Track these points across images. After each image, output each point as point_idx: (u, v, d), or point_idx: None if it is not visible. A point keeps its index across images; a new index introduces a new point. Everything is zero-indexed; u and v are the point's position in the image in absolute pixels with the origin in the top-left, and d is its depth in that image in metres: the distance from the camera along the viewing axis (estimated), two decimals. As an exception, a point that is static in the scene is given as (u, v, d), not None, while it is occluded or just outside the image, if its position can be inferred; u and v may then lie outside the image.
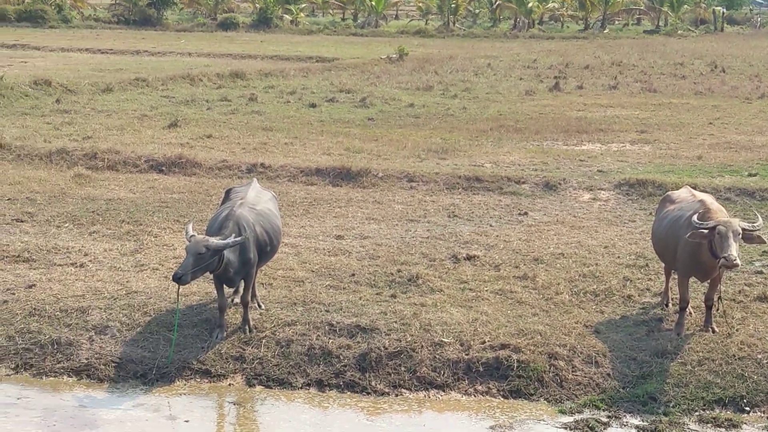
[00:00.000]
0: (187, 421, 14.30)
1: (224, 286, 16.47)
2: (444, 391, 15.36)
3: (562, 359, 15.71)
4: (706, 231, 15.74)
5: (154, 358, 15.85)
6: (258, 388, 15.40)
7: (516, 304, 17.80)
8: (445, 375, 15.55)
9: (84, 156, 29.55)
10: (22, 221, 22.64)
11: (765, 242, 16.70)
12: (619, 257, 20.49)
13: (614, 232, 22.67)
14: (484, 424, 14.32)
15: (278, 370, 15.70)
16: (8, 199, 24.60)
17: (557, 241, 21.70)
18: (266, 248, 16.75)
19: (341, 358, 15.85)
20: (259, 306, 17.24)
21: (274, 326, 16.55)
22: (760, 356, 15.68)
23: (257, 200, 17.08)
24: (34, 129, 34.19)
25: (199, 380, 15.56)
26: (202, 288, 17.83)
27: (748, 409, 14.74)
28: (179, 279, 15.32)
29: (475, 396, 15.27)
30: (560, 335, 16.31)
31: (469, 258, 20.23)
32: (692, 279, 16.80)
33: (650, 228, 18.30)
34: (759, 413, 14.67)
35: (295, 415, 14.54)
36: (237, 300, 17.20)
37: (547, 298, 18.09)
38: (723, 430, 14.18)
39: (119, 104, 41.47)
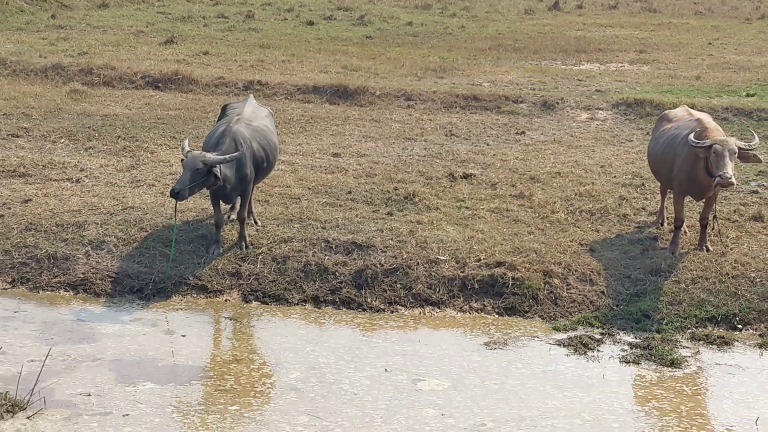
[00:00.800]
0: (184, 336, 14.40)
1: (221, 202, 16.49)
2: (439, 308, 15.46)
3: (556, 277, 15.80)
4: (702, 149, 15.74)
5: (150, 273, 15.92)
6: (254, 304, 15.49)
7: (512, 222, 17.85)
8: (441, 292, 15.63)
9: (80, 72, 29.42)
10: (17, 136, 22.60)
11: (761, 161, 16.71)
12: (615, 176, 20.50)
13: (611, 152, 22.67)
14: (479, 340, 14.43)
15: (274, 286, 15.78)
16: (4, 114, 24.54)
17: (554, 161, 21.69)
18: (263, 165, 16.75)
19: (337, 274, 15.92)
20: (256, 222, 17.28)
21: (271, 243, 16.60)
22: (753, 275, 15.76)
23: (254, 116, 17.04)
24: (30, 44, 33.99)
25: (195, 296, 15.64)
26: (199, 204, 17.85)
27: (740, 327, 14.85)
28: (176, 194, 15.33)
29: (470, 313, 15.36)
30: (555, 253, 16.38)
31: (465, 176, 20.23)
32: (687, 198, 16.82)
33: (647, 148, 18.28)
34: (751, 331, 14.78)
35: (291, 331, 14.64)
36: (233, 216, 17.24)
37: (543, 216, 18.13)
38: (715, 347, 14.28)
39: (115, 20, 41.20)
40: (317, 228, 17.12)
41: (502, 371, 13.38)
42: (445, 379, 13.10)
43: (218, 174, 15.59)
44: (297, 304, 15.45)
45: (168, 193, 16.49)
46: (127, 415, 11.88)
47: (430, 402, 12.40)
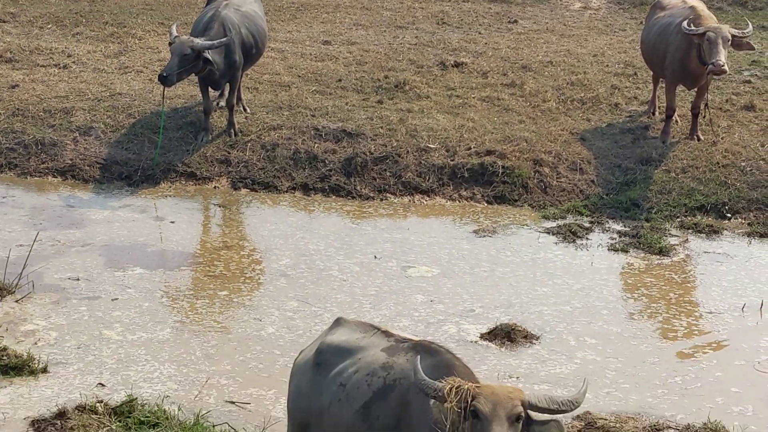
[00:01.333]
0: (173, 222, 14.38)
1: (209, 89, 16.33)
2: (429, 196, 15.42)
3: (547, 166, 15.74)
4: (695, 37, 15.58)
5: (139, 160, 15.83)
6: (243, 191, 15.43)
7: (503, 111, 17.73)
8: (430, 180, 15.59)
9: (66, -43, 28.90)
10: (4, 21, 22.29)
11: (754, 48, 16.58)
12: (607, 66, 20.31)
13: (604, 41, 22.43)
14: (468, 228, 14.42)
15: (263, 173, 15.71)
16: (-11, 0, 24.18)
17: (546, 50, 21.47)
18: (252, 51, 16.55)
19: (327, 162, 15.85)
20: (245, 110, 17.14)
21: (260, 130, 16.49)
22: (743, 164, 15.72)
23: (243, 2, 16.79)
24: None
25: (184, 183, 15.58)
26: (187, 91, 17.68)
27: (729, 215, 14.85)
28: (164, 79, 15.17)
29: (459, 201, 15.33)
30: (546, 142, 16.30)
31: (456, 65, 20.03)
32: (679, 88, 16.70)
33: (640, 37, 18.09)
34: (740, 220, 14.79)
35: (281, 218, 14.62)
36: (222, 103, 17.08)
37: (534, 105, 18.01)
38: (704, 236, 14.29)
39: None
40: (307, 116, 17.00)
41: (492, 259, 13.41)
42: (435, 266, 13.12)
43: (209, 58, 15.40)
44: (286, 191, 15.40)
45: (156, 79, 16.30)
46: (116, 299, 11.91)
47: (420, 288, 12.43)
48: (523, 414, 6.66)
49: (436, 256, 13.41)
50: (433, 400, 6.80)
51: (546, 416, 6.83)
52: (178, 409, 9.13)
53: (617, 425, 9.02)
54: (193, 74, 15.75)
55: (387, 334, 7.88)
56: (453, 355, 7.38)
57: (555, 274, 12.97)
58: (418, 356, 7.00)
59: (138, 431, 8.73)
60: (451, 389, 6.73)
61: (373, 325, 8.15)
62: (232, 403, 9.47)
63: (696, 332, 11.57)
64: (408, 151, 15.94)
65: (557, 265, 13.25)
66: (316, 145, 16.11)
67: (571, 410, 6.80)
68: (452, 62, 20.11)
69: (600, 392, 10.00)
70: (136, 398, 9.28)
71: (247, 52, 16.37)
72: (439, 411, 6.83)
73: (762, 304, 12.00)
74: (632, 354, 10.96)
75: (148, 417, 8.91)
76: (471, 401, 6.66)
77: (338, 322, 8.27)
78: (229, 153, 16.00)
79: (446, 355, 7.32)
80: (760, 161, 15.79)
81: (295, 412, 7.97)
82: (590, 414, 9.28)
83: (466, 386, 6.75)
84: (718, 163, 15.74)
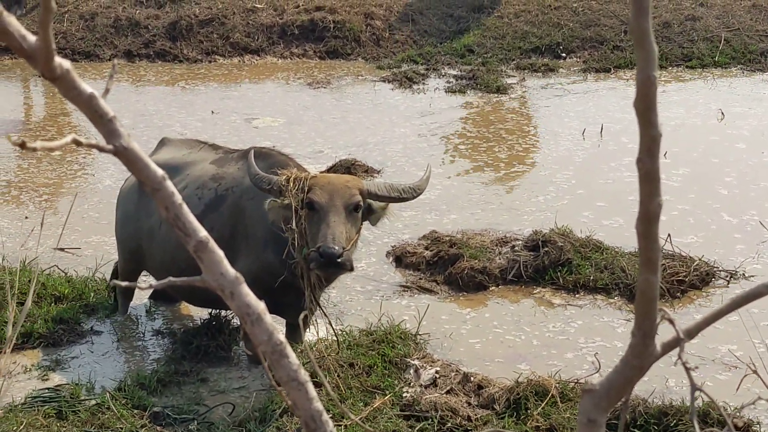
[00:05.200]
0: (-9, 96, 13.59)
1: (18, -42, 15.44)
2: (259, 55, 14.92)
3: (378, 19, 15.36)
4: None
5: (-52, 37, 14.88)
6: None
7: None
8: (260, 40, 15.06)
9: None
10: None
11: None
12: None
13: None
14: (304, 81, 13.97)
15: (84, 43, 14.95)
16: None
17: None
18: None
19: (150, 28, 15.15)
20: (59, -19, 16.25)
21: (77, 0, 15.65)
22: (575, 5, 15.59)
23: None
24: None
25: (0, 57, 14.74)
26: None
27: (564, 55, 14.73)
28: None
29: (291, 59, 14.86)
30: (376, -4, 15.90)
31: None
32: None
33: None
34: (575, 59, 14.69)
35: (104, 84, 13.88)
36: (34, -25, 16.18)
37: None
38: (540, 74, 14.14)
39: None
40: (126, -16, 16.21)
41: (337, 107, 12.96)
42: (280, 116, 12.61)
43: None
44: (108, 59, 14.66)
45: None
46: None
47: (270, 136, 11.86)
48: (362, 203, 6.29)
49: (280, 108, 12.92)
50: (269, 201, 6.39)
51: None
52: (2, 259, 8.51)
53: (464, 240, 8.77)
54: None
55: (215, 147, 7.44)
56: (287, 156, 6.98)
57: (395, 116, 12.61)
58: (251, 152, 6.58)
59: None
60: (287, 180, 6.33)
61: (199, 140, 7.69)
62: (62, 250, 8.89)
63: (540, 153, 11.38)
64: (234, 12, 15.36)
65: (399, 109, 12.89)
66: (138, 11, 15.38)
67: (413, 197, 6.47)
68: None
69: (445, 217, 9.72)
70: (-46, 248, 8.63)
71: None
72: (275, 211, 6.43)
73: (602, 128, 11.87)
74: (476, 179, 10.70)
75: (-33, 268, 8.27)
76: (307, 193, 6.27)
77: (163, 142, 7.78)
78: (45, 25, 15.13)
79: (280, 156, 6.91)
80: (592, 1, 15.66)
81: (125, 238, 7.49)
82: (436, 232, 9.00)
83: (303, 176, 6.36)
84: (550, 6, 15.58)
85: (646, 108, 1.70)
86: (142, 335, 7.46)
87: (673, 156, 10.70)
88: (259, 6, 15.49)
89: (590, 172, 10.63)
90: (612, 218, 9.28)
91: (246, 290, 1.77)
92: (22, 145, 1.72)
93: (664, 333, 1.85)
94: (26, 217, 9.70)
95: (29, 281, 7.45)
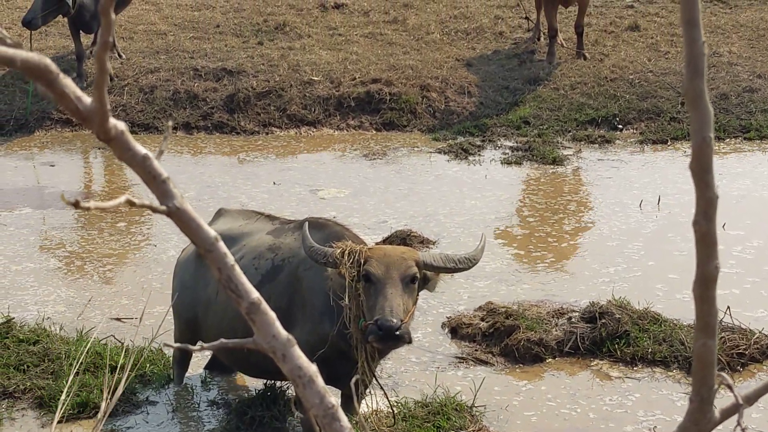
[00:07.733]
0: (53, 166, 13.75)
1: (80, 32, 15.68)
2: (315, 127, 15.01)
3: (434, 91, 15.43)
4: None
5: (11, 110, 15.14)
6: (123, 134, 14.82)
7: (386, 45, 17.35)
8: (316, 112, 15.17)
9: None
10: None
11: None
12: None
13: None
14: (358, 153, 14.04)
15: (143, 115, 15.15)
16: None
17: (427, -11, 21.11)
18: (122, -10, 15.96)
19: (208, 100, 15.33)
20: (120, 56, 16.49)
21: (137, 74, 15.89)
22: (632, 77, 15.58)
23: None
24: None
25: (60, 129, 14.96)
26: (59, 43, 16.99)
27: (621, 126, 14.70)
28: (29, 23, 14.52)
29: (347, 130, 14.95)
30: (432, 69, 15.98)
31: (337, 6, 19.58)
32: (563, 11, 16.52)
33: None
34: (632, 130, 14.65)
35: (169, 157, 14.03)
36: (96, 49, 16.44)
37: (418, 38, 17.65)
38: (597, 146, 14.11)
39: None
40: (185, 58, 16.43)
41: (399, 178, 12.98)
42: (345, 187, 12.66)
43: (74, 0, 14.78)
44: (168, 131, 14.79)
45: (21, 23, 15.60)
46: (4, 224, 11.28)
47: (338, 207, 11.90)
48: (418, 274, 6.29)
49: (343, 179, 12.97)
50: (325, 273, 6.43)
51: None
52: (60, 328, 8.59)
53: (520, 311, 8.73)
54: (62, 17, 15.08)
55: (271, 218, 7.49)
56: (343, 227, 7.01)
57: (456, 187, 12.60)
58: (306, 224, 6.61)
59: (18, 349, 8.17)
60: (342, 253, 6.35)
61: (255, 211, 7.76)
62: (118, 319, 8.95)
63: (599, 225, 11.34)
64: (291, 85, 15.50)
65: (461, 180, 12.88)
66: (196, 84, 15.58)
67: (469, 267, 6.47)
68: (332, 3, 19.65)
69: (500, 287, 9.68)
70: (13, 318, 8.71)
71: (118, -8, 15.76)
72: (332, 281, 6.46)
73: (659, 199, 11.79)
74: (534, 250, 10.67)
75: (27, 335, 8.36)
76: (363, 265, 6.28)
77: (220, 213, 7.85)
78: (105, 98, 15.36)
79: (335, 227, 6.94)
80: (648, 73, 15.68)
81: (181, 309, 7.53)
82: (492, 303, 8.97)
83: (358, 249, 6.37)
84: (606, 78, 15.59)
85: (702, 170, 1.68)
86: (197, 405, 7.47)
87: (746, 228, 10.64)
88: (315, 79, 15.62)
89: (658, 242, 10.58)
90: (683, 292, 9.17)
91: (298, 353, 1.77)
92: (76, 205, 1.73)
93: (723, 400, 1.81)
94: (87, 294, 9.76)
95: (85, 350, 7.49)
